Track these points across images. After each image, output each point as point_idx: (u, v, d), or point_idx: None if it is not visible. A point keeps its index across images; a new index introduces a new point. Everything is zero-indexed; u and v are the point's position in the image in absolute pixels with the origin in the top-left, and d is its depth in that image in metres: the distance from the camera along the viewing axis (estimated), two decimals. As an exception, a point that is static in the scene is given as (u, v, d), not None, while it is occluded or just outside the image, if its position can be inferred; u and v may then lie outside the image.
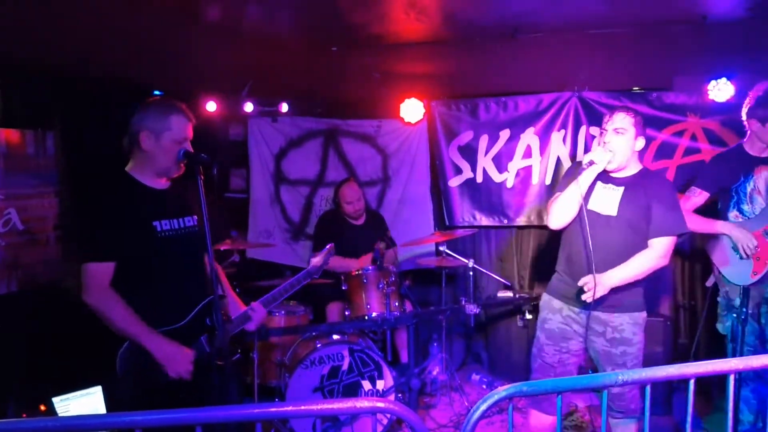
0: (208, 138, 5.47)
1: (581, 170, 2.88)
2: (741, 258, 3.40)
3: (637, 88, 4.97)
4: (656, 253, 2.89)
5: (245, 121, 5.61)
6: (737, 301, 3.35)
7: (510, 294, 4.91)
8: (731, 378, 1.78)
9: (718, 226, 3.47)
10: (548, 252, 5.40)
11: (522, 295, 4.90)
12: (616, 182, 2.97)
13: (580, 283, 2.81)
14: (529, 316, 4.73)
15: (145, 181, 2.46)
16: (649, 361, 4.14)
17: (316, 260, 3.21)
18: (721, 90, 4.33)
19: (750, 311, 3.26)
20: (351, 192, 4.73)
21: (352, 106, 5.58)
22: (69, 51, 3.79)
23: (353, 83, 4.96)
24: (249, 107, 5.26)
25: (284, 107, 5.42)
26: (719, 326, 3.55)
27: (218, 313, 2.29)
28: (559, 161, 5.07)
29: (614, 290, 2.83)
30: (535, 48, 3.97)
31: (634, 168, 2.99)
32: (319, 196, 5.67)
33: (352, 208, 4.71)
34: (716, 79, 4.34)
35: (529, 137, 5.11)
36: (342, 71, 4.56)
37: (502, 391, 1.59)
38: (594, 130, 4.95)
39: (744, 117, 3.49)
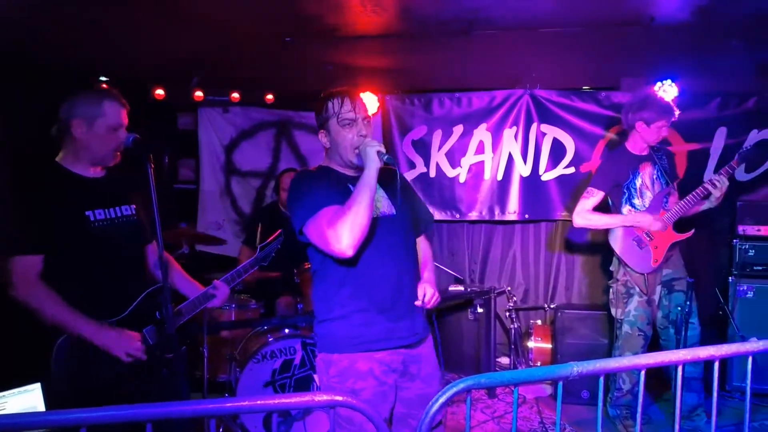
0: (156, 126, 5.32)
1: None
2: (641, 248, 3.66)
3: (586, 87, 5.09)
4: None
5: (195, 110, 5.47)
6: (634, 290, 3.67)
7: (461, 288, 4.95)
8: (679, 369, 1.83)
9: (620, 219, 3.73)
10: (499, 247, 5.51)
11: (473, 288, 4.95)
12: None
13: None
14: (480, 310, 4.79)
15: (77, 171, 2.37)
16: (595, 353, 4.31)
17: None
18: (666, 91, 4.47)
19: (648, 298, 3.63)
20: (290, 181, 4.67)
21: (306, 98, 5.50)
22: (10, 35, 3.61)
23: (307, 75, 4.89)
24: (199, 96, 5.12)
25: (235, 97, 5.31)
26: (613, 311, 3.78)
27: (168, 304, 2.21)
28: (510, 157, 5.14)
29: None
30: (489, 45, 4.01)
31: None
32: (270, 188, 5.59)
33: (286, 196, 4.65)
34: (661, 80, 4.49)
35: (482, 133, 5.16)
36: (296, 62, 4.50)
37: (461, 383, 1.59)
38: (545, 128, 5.05)
39: (626, 120, 3.77)
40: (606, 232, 3.82)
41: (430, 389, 2.24)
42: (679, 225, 3.71)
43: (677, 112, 3.68)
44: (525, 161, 5.13)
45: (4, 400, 3.33)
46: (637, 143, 3.75)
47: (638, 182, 3.72)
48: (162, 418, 1.49)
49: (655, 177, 3.72)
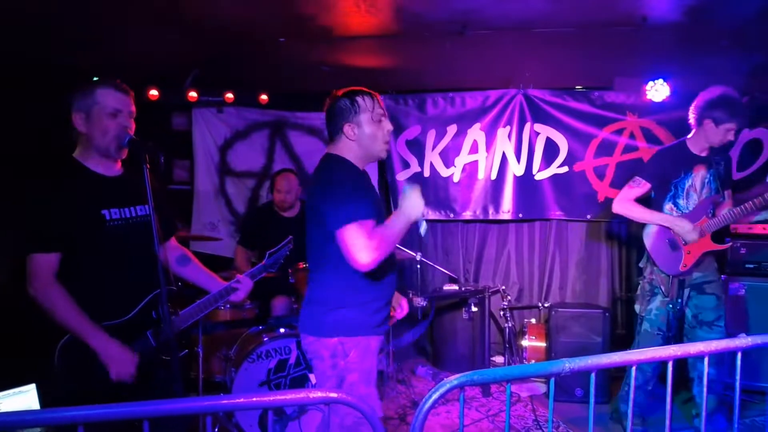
0: (150, 127, 5.31)
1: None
2: (673, 250, 3.56)
3: (579, 87, 5.12)
4: None
5: (189, 110, 5.47)
6: (659, 289, 3.58)
7: (456, 287, 4.97)
8: (669, 364, 1.85)
9: (662, 218, 3.59)
10: (493, 246, 5.53)
11: (468, 288, 4.97)
12: None
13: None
14: (474, 309, 4.80)
15: (93, 167, 2.35)
16: (589, 351, 4.33)
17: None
18: (657, 90, 4.51)
19: (671, 299, 3.45)
20: (286, 182, 4.66)
21: (300, 99, 5.52)
22: (6, 37, 3.61)
23: (301, 75, 4.90)
24: (193, 96, 5.12)
25: (229, 97, 5.31)
26: (637, 307, 3.73)
27: (165, 307, 2.21)
28: (504, 157, 5.17)
29: None
30: (483, 45, 4.03)
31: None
32: (265, 188, 5.58)
33: (281, 197, 4.64)
34: (653, 80, 4.52)
35: (476, 133, 5.19)
36: (290, 62, 4.51)
37: (454, 380, 1.60)
38: (538, 127, 5.08)
39: (694, 115, 3.57)
40: (640, 226, 3.71)
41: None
42: (717, 234, 3.57)
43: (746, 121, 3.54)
44: (518, 161, 5.16)
45: (1, 400, 3.33)
46: (698, 142, 3.56)
47: (688, 183, 3.57)
48: (157, 415, 1.51)
49: (706, 181, 3.56)
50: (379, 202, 2.48)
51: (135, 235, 2.37)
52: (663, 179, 3.61)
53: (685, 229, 3.50)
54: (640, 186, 3.65)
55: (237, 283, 2.70)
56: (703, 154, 3.58)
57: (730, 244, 3.56)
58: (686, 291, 3.49)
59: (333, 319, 2.37)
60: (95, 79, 2.38)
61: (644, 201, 3.73)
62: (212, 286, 2.70)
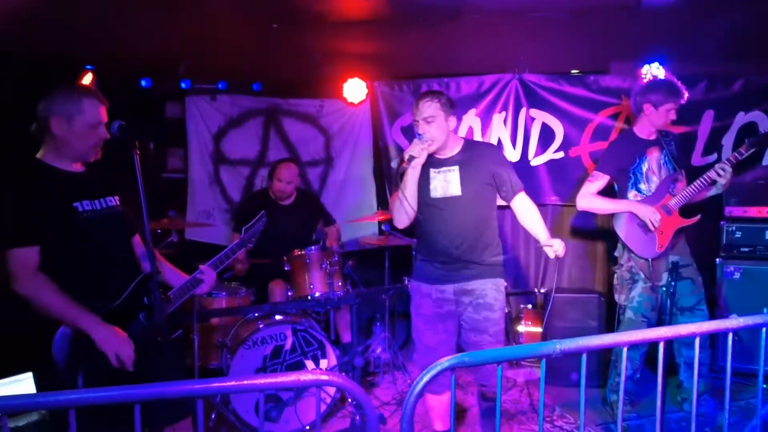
0: (143, 116, 5.29)
1: (403, 169, 2.90)
2: (646, 233, 3.63)
3: (575, 72, 5.10)
4: (531, 204, 3.17)
5: (182, 98, 5.44)
6: (639, 276, 3.63)
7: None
8: (661, 345, 1.86)
9: (623, 205, 3.71)
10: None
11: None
12: (449, 163, 3.04)
13: (554, 247, 3.04)
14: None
15: (60, 166, 2.39)
16: (584, 335, 4.33)
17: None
18: (653, 74, 4.49)
19: (652, 284, 3.59)
20: (288, 173, 4.66)
21: (294, 85, 5.50)
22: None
23: (294, 62, 4.88)
24: (186, 85, 5.10)
25: (222, 85, 5.29)
26: (617, 297, 3.78)
27: (156, 291, 2.23)
28: (499, 143, 5.15)
29: (476, 259, 3.03)
30: (478, 29, 4.01)
31: (456, 145, 3.07)
32: (260, 176, 5.57)
33: (281, 187, 4.64)
34: (649, 63, 4.50)
35: (471, 119, 5.17)
36: (283, 49, 4.48)
37: (445, 362, 1.61)
38: (534, 112, 5.06)
39: (633, 104, 3.74)
40: (610, 217, 3.80)
41: (477, 317, 2.99)
42: (686, 210, 3.66)
43: (686, 95, 3.63)
44: (514, 146, 5.14)
45: (-4, 389, 3.34)
46: (644, 127, 3.71)
47: (644, 167, 3.68)
48: (149, 398, 1.51)
49: (662, 162, 3.68)
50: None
51: (108, 225, 2.42)
52: (620, 168, 3.74)
53: (645, 212, 3.60)
54: (599, 179, 3.77)
55: (201, 275, 2.71)
56: (652, 138, 3.71)
57: (699, 217, 3.62)
58: (664, 275, 3.54)
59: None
60: (79, 86, 2.39)
61: (612, 195, 3.85)
62: (175, 280, 2.72)
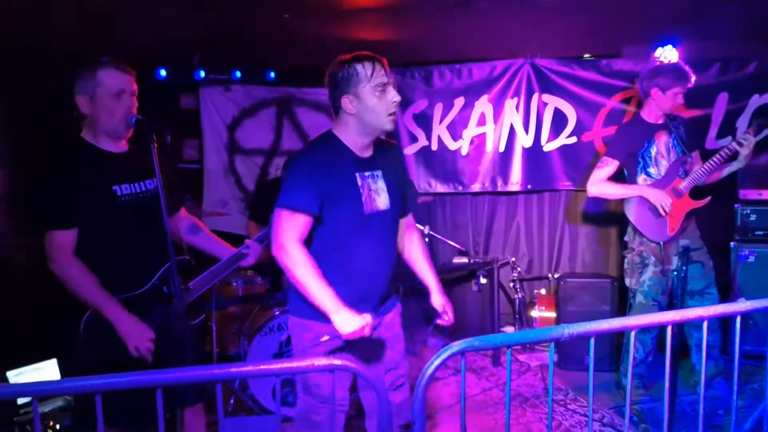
0: (158, 107, 5.35)
1: None
2: (657, 217, 3.63)
3: (587, 56, 5.07)
4: (419, 234, 2.71)
5: (197, 89, 5.50)
6: (650, 260, 3.64)
7: (465, 260, 5.01)
8: (669, 329, 1.88)
9: (634, 190, 3.71)
10: (502, 218, 5.55)
11: (476, 260, 5.01)
12: (372, 165, 2.36)
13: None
14: (483, 281, 4.85)
15: (101, 145, 2.41)
16: (596, 319, 4.35)
17: None
18: (666, 56, 4.46)
19: (663, 268, 3.59)
20: None
21: (307, 74, 5.51)
22: (9, 21, 3.64)
23: (307, 50, 4.90)
24: (200, 75, 5.15)
25: (237, 75, 5.33)
26: (627, 281, 3.78)
27: (175, 279, 2.29)
28: (512, 128, 5.16)
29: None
30: (489, 14, 4.00)
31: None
32: (274, 165, 5.62)
33: None
34: (662, 45, 4.47)
35: (483, 105, 5.17)
36: (295, 38, 4.50)
37: (455, 346, 1.65)
38: (546, 98, 5.04)
39: (641, 88, 3.73)
40: (621, 201, 3.80)
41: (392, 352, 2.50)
42: (696, 192, 3.66)
43: (693, 78, 3.62)
44: (527, 132, 5.14)
45: (23, 376, 3.45)
46: (652, 111, 3.70)
47: (653, 151, 3.67)
48: (170, 383, 1.57)
49: (671, 146, 3.67)
50: (349, 173, 2.25)
51: (145, 208, 2.43)
52: (628, 153, 3.73)
53: (655, 195, 3.60)
54: (608, 165, 3.78)
55: (246, 248, 2.81)
56: (660, 122, 3.70)
57: (709, 198, 3.62)
58: (674, 259, 3.52)
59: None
60: (97, 60, 2.41)
61: (622, 180, 3.84)
62: (223, 252, 2.81)
